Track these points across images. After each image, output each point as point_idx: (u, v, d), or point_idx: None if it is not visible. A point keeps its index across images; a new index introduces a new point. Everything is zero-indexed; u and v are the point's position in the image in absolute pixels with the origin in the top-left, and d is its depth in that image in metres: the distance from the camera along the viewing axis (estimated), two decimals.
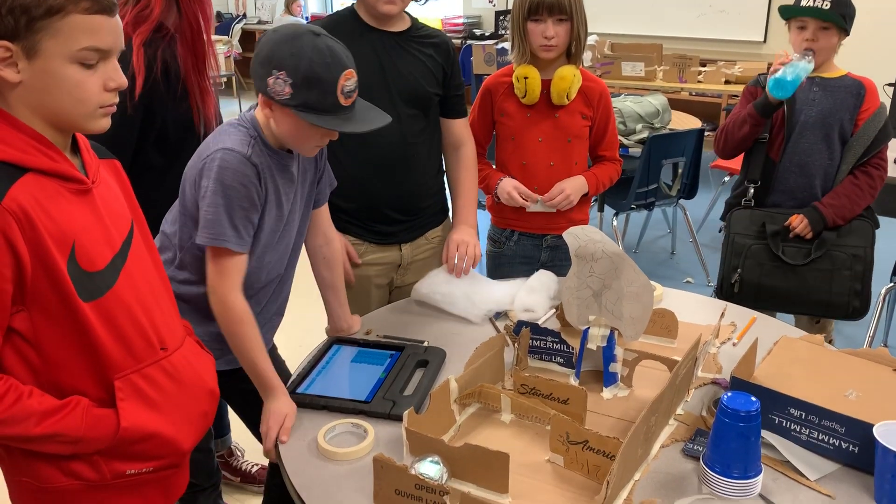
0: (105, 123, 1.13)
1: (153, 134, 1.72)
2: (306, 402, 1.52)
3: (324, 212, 1.73)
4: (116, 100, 1.13)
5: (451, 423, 1.46)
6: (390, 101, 1.88)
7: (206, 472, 1.77)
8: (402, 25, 1.93)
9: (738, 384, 1.41)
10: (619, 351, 1.59)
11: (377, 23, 1.89)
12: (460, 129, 2.07)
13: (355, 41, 1.81)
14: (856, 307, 2.33)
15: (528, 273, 2.14)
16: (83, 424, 1.14)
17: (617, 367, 1.59)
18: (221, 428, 2.37)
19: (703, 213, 4.70)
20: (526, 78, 2.06)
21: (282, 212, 1.55)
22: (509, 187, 2.14)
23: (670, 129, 3.92)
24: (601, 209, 3.90)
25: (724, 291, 2.45)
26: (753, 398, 1.26)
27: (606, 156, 2.25)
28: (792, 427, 1.37)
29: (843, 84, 2.35)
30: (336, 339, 1.77)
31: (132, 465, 1.21)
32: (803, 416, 1.36)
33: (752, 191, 2.41)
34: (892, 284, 2.94)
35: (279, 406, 1.47)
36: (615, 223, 3.93)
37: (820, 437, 1.35)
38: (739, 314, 1.94)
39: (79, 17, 1.04)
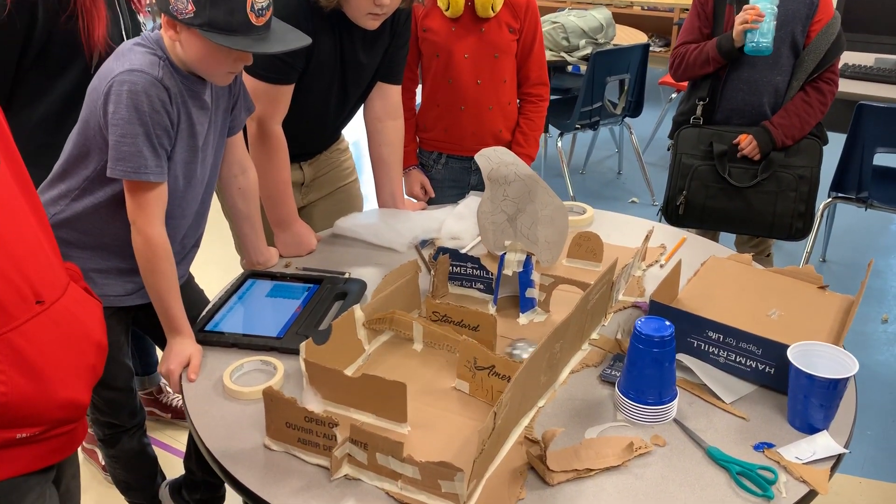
0: None
1: (34, 48, 1.57)
2: (214, 341, 1.45)
3: (238, 140, 1.62)
4: None
5: (359, 353, 1.41)
6: (343, 92, 1.82)
7: (128, 412, 1.70)
8: None
9: (657, 308, 1.37)
10: (535, 276, 1.54)
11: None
12: (397, 98, 1.94)
13: (315, 27, 1.62)
14: (798, 228, 2.31)
15: (457, 197, 2.08)
16: None
17: (534, 293, 1.55)
18: (149, 365, 2.31)
19: (650, 130, 4.65)
20: None
21: (195, 142, 1.45)
22: (416, 188, 2.15)
23: (615, 45, 3.81)
24: (545, 130, 3.81)
25: (670, 213, 2.42)
26: (668, 322, 1.23)
27: (532, 93, 2.14)
28: (710, 350, 1.35)
29: None
30: (251, 273, 1.69)
31: (21, 431, 1.13)
32: (721, 339, 1.33)
33: (699, 108, 2.34)
34: (830, 199, 2.94)
35: (183, 346, 1.41)
36: (560, 144, 3.86)
37: (737, 360, 1.33)
38: (671, 234, 1.91)
39: None
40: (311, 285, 1.64)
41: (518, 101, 2.17)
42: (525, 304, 1.53)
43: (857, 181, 2.78)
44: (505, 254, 1.53)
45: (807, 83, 2.25)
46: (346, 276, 1.69)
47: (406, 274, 1.51)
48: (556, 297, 1.55)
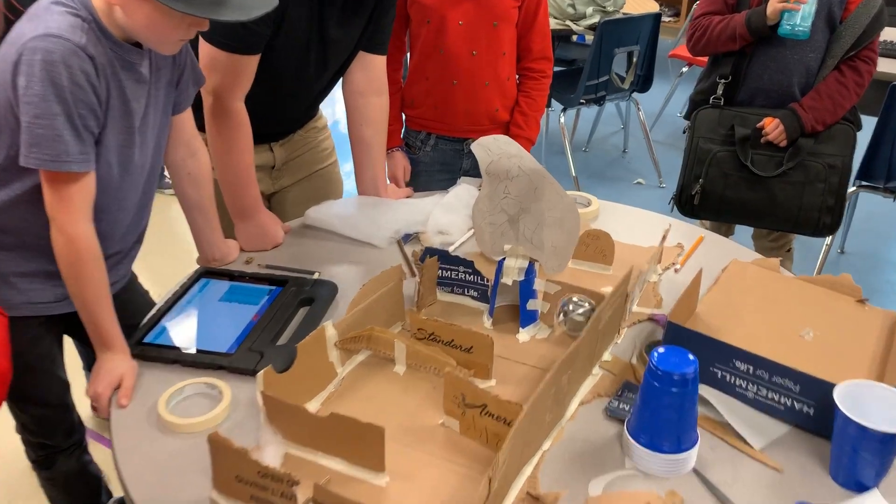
0: None
1: None
2: (153, 356, 1.23)
3: (186, 118, 1.39)
4: None
5: (330, 377, 1.19)
6: (321, 64, 1.57)
7: (63, 431, 1.49)
8: None
9: (675, 332, 1.16)
10: (539, 284, 1.33)
11: None
12: (382, 71, 1.69)
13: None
14: (826, 223, 2.08)
15: (447, 183, 1.86)
16: None
17: (536, 304, 1.33)
18: None
19: (658, 106, 4.39)
20: None
21: (130, 122, 1.22)
22: (399, 172, 1.93)
23: (624, 14, 3.55)
24: (547, 104, 3.55)
25: (683, 202, 2.19)
26: (691, 356, 1.01)
27: (534, 67, 1.89)
28: (737, 383, 1.14)
29: None
30: (205, 272, 1.47)
31: None
32: (751, 371, 1.12)
33: (721, 87, 2.09)
34: (854, 188, 2.71)
35: (114, 363, 1.19)
36: (562, 120, 3.61)
37: (769, 396, 1.12)
38: (686, 232, 1.68)
39: None
40: (274, 287, 1.42)
41: (517, 76, 1.93)
42: (526, 318, 1.32)
43: (885, 169, 2.55)
44: (503, 259, 1.31)
45: (842, 61, 2.01)
46: (316, 276, 1.47)
47: (388, 281, 1.29)
48: None
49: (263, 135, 1.67)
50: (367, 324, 1.24)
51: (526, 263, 1.30)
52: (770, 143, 2.05)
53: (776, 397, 1.11)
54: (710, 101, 2.11)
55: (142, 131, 1.25)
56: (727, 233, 2.39)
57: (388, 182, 1.87)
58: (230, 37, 1.40)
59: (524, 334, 1.32)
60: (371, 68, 1.66)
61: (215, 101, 1.45)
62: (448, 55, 1.80)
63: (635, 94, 3.68)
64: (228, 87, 1.44)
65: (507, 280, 1.30)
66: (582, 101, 3.46)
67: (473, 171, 1.96)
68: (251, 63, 1.45)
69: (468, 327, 1.18)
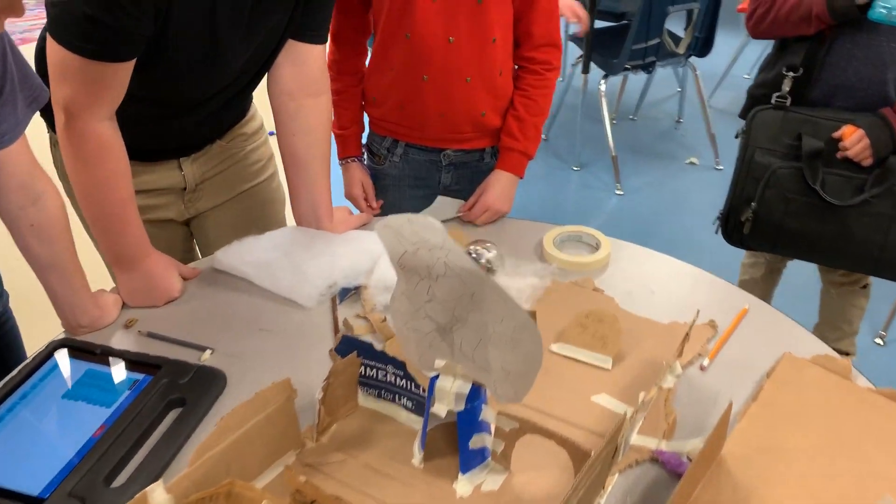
0: None
1: None
2: None
3: (16, 153, 1.00)
4: None
5: None
6: (234, 68, 1.19)
7: None
8: None
9: None
10: (488, 413, 0.92)
11: None
12: (319, 65, 1.26)
13: None
14: None
15: (422, 201, 1.46)
16: None
17: (485, 441, 0.93)
18: None
19: (722, 66, 3.81)
20: None
21: None
22: (356, 189, 1.53)
23: None
24: (585, 70, 3.04)
25: (730, 229, 1.72)
26: None
27: (536, 58, 1.43)
28: None
29: None
30: (65, 343, 1.11)
31: None
32: None
33: (789, 82, 1.60)
34: None
35: None
36: (603, 88, 3.10)
37: None
38: (722, 295, 1.24)
39: None
40: (142, 377, 1.05)
41: (516, 67, 1.47)
42: (468, 461, 0.92)
43: None
44: (437, 376, 0.91)
45: None
46: (205, 356, 1.10)
47: (269, 404, 0.90)
48: (522, 442, 0.93)
49: (167, 150, 1.28)
50: (229, 473, 0.86)
51: (467, 387, 0.89)
52: (849, 160, 1.56)
53: None
54: (774, 100, 1.62)
55: None
56: (783, 262, 1.93)
57: (345, 202, 1.46)
58: (88, 36, 0.99)
59: (465, 483, 0.92)
60: (303, 62, 1.23)
61: (69, 120, 1.05)
62: (417, 41, 1.35)
63: (692, 59, 3.14)
64: (85, 102, 1.04)
65: (439, 410, 0.90)
66: (627, 66, 2.95)
67: (455, 186, 1.53)
68: (121, 71, 1.04)
69: (368, 493, 0.79)
